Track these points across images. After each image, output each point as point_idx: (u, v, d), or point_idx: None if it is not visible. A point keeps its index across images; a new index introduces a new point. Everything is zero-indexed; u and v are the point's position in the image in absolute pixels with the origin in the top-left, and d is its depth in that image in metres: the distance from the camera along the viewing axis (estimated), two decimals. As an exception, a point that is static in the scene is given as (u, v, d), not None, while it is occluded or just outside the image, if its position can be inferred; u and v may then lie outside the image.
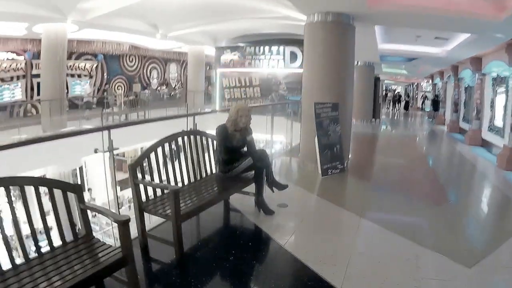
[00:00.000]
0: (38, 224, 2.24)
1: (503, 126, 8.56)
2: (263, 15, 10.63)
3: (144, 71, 17.93)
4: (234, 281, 2.79)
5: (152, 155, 3.21)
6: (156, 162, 3.16)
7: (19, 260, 2.09)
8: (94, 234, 2.48)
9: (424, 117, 21.50)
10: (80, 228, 2.53)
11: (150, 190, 3.14)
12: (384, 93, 27.02)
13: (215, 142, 3.89)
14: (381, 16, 6.34)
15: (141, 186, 3.00)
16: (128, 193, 4.53)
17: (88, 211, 2.45)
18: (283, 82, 15.91)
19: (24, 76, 12.30)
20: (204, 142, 3.97)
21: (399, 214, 4.22)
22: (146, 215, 3.06)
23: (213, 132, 3.81)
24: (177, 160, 3.49)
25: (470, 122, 11.51)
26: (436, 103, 19.22)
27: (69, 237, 2.42)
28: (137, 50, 16.46)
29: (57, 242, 2.36)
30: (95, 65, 15.14)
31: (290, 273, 2.93)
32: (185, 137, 3.64)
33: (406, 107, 27.23)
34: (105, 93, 15.72)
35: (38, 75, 11.58)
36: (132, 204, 3.09)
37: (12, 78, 11.97)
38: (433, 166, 7.89)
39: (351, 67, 6.63)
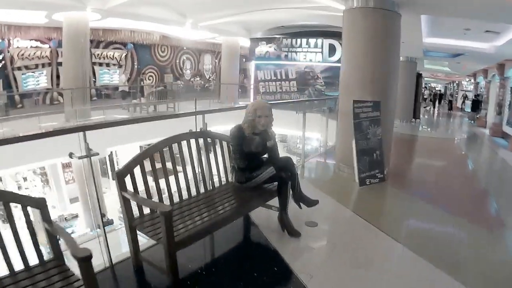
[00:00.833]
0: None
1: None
2: (299, 5, 9.85)
3: (177, 61, 17.62)
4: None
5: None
6: (152, 170, 2.58)
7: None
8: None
9: (463, 118, 19.84)
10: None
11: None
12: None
13: (230, 146, 3.29)
14: (429, 2, 5.59)
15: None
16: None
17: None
18: (320, 77, 15.04)
19: (49, 64, 12.29)
20: (218, 145, 3.36)
21: (452, 245, 3.42)
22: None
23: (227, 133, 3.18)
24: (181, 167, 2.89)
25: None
26: (476, 103, 17.63)
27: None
28: (168, 40, 16.13)
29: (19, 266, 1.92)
30: (124, 54, 14.97)
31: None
32: (192, 140, 3.02)
33: (450, 107, 25.41)
34: (142, 82, 15.53)
35: (64, 63, 11.49)
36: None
37: (37, 66, 11.97)
38: (481, 178, 6.82)
39: (396, 61, 5.79)
